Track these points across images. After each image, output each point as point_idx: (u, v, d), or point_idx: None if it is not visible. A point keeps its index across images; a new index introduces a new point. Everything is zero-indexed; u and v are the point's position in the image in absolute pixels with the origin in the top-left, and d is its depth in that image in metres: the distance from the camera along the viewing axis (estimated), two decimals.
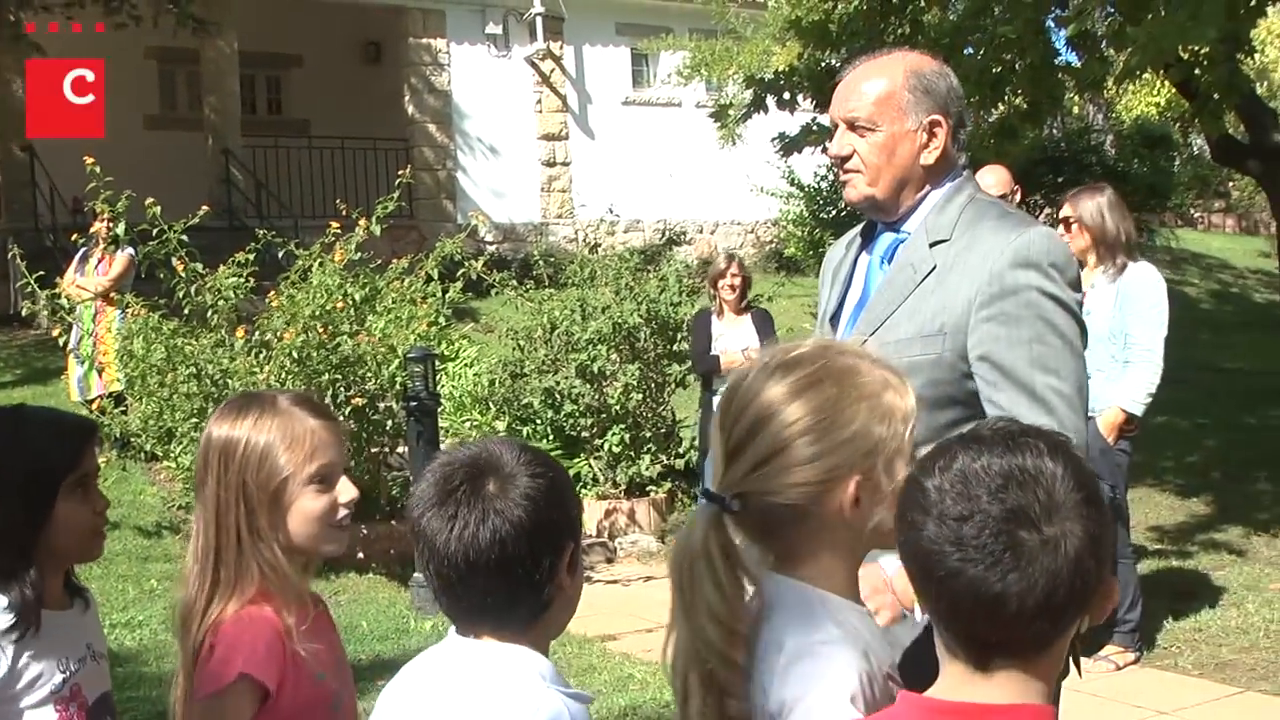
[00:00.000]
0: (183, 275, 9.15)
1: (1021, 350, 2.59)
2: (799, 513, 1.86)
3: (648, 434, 10.36)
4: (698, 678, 1.83)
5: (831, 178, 16.73)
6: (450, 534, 1.87)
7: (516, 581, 1.88)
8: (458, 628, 1.99)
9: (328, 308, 8.89)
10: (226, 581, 2.33)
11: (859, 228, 3.01)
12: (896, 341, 2.63)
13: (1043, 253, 2.63)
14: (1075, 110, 28.19)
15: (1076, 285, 2.70)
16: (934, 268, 2.69)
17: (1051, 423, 2.45)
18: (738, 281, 8.88)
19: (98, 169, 9.11)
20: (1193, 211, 29.74)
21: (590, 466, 10.29)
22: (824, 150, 3.01)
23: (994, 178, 6.79)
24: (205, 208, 10.21)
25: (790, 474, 1.83)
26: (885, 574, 2.38)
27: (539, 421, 10.54)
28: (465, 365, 11.02)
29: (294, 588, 2.37)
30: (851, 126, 2.77)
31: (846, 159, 2.78)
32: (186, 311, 9.28)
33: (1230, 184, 29.82)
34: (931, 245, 2.71)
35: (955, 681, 1.61)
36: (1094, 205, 6.51)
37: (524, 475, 1.90)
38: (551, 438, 10.49)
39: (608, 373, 10.23)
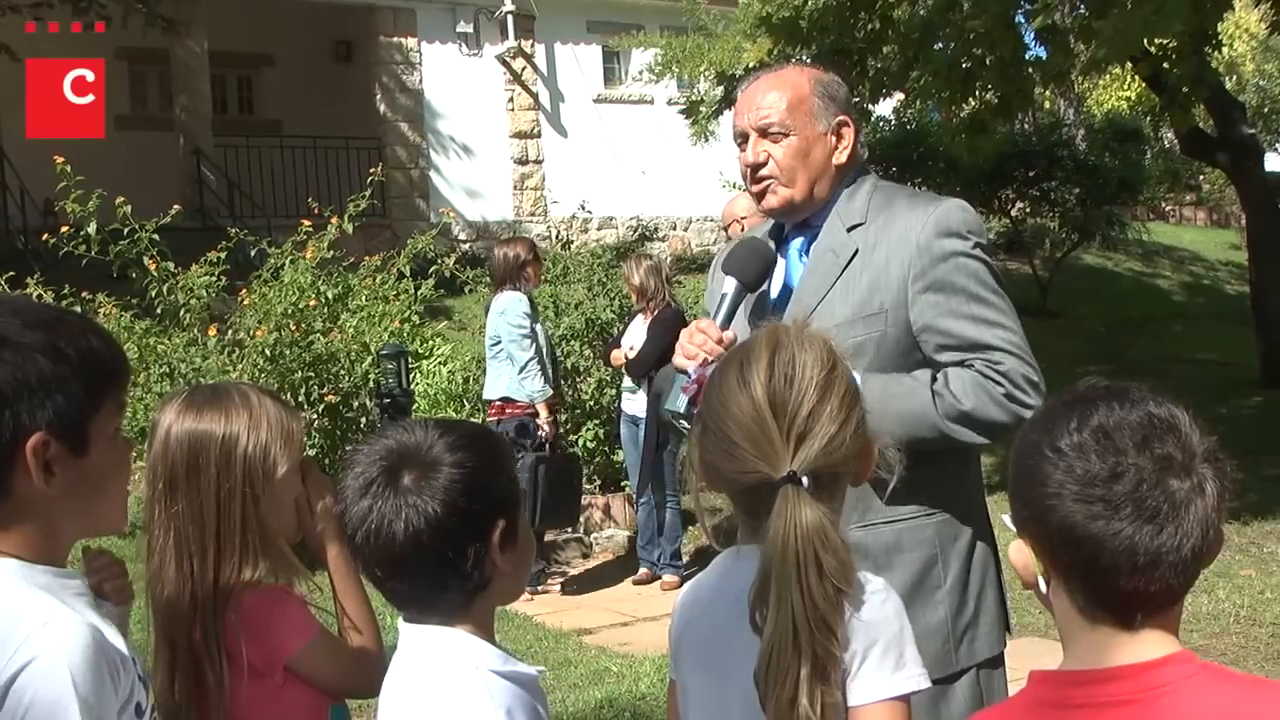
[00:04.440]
0: (155, 275, 9.15)
1: (963, 312, 2.70)
2: (843, 483, 1.93)
3: None
4: (810, 667, 1.76)
5: None
6: (369, 529, 1.84)
7: (441, 572, 1.86)
8: (402, 615, 1.97)
9: (300, 305, 8.88)
10: (232, 563, 2.39)
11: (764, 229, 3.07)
12: (836, 325, 2.65)
13: (960, 222, 2.76)
14: (1047, 105, 28.30)
15: (991, 249, 2.85)
16: (856, 251, 2.78)
17: (1019, 365, 2.67)
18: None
19: (69, 169, 9.08)
20: (1164, 205, 29.82)
21: None
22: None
23: (747, 201, 6.39)
24: (177, 207, 10.19)
25: (851, 442, 1.87)
26: None
27: None
28: (439, 363, 10.99)
29: (295, 568, 2.49)
30: (764, 134, 2.84)
31: (761, 165, 2.84)
32: (159, 311, 9.27)
33: (1201, 177, 29.93)
34: (849, 230, 2.80)
35: (1098, 648, 1.55)
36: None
37: (445, 464, 1.85)
38: None
39: (581, 369, 10.23)
